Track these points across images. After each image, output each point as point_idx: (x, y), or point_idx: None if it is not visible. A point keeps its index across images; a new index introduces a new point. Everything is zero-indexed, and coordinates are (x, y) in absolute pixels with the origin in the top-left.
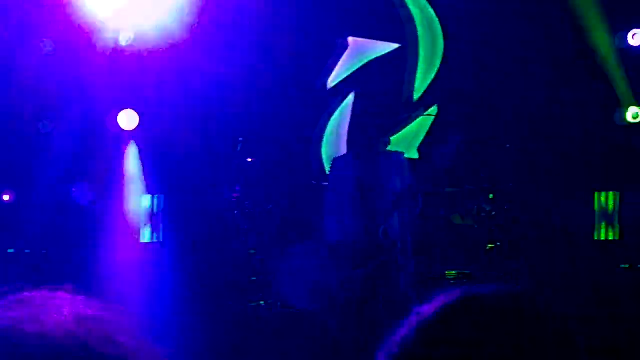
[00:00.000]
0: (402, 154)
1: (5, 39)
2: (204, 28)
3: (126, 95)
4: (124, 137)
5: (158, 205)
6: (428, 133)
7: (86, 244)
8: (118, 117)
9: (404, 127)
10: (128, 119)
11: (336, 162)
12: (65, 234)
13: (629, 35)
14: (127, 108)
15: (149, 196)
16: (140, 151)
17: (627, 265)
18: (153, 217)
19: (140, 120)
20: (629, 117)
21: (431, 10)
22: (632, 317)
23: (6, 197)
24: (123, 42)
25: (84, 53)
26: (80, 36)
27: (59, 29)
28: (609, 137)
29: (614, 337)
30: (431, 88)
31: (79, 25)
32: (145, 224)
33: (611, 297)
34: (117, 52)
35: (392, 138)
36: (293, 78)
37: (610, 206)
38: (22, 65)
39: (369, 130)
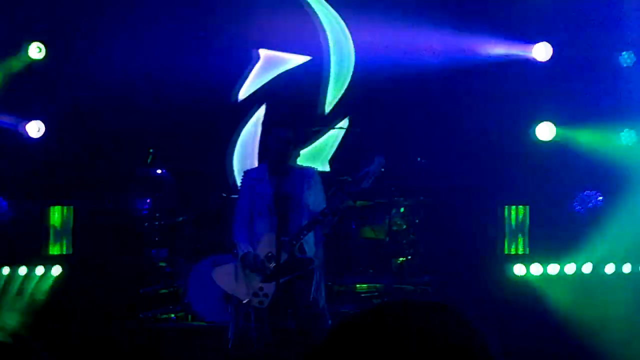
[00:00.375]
0: (314, 169)
1: None
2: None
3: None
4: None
5: (68, 216)
6: (339, 146)
7: None
8: (26, 126)
9: (315, 139)
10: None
11: (247, 174)
12: None
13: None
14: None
15: (59, 207)
16: (49, 161)
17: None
18: (62, 228)
19: (46, 129)
20: (539, 133)
21: (342, 23)
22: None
23: None
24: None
25: None
26: None
27: None
28: (520, 152)
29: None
30: (342, 100)
31: None
32: (54, 236)
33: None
34: None
35: (302, 152)
36: (205, 89)
37: (520, 220)
38: None
39: (280, 143)
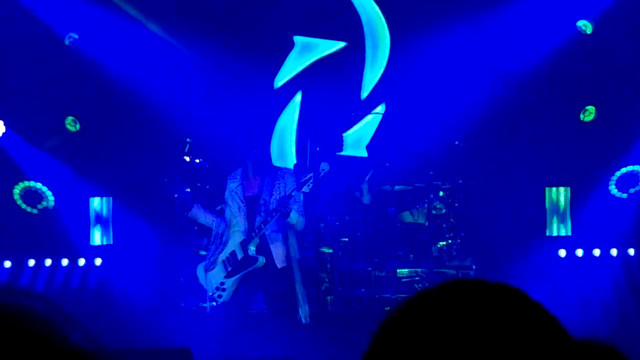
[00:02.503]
0: (288, 170)
1: None
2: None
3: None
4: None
5: (107, 207)
6: (377, 132)
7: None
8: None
9: (353, 125)
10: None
11: (230, 176)
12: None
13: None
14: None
15: (99, 198)
16: (86, 153)
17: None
18: (102, 220)
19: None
20: (583, 114)
21: (377, 8)
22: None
23: None
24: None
25: None
26: None
27: None
28: (561, 133)
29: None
30: (379, 86)
31: None
32: (94, 226)
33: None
34: None
35: (342, 137)
36: (243, 77)
37: (562, 201)
38: None
39: (320, 130)
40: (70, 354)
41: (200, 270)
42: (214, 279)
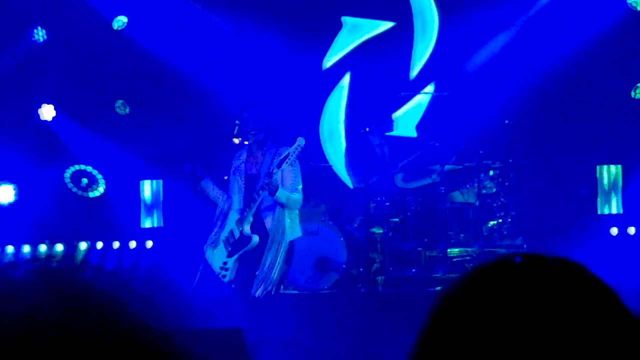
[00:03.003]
0: (289, 148)
1: None
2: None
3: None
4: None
5: (157, 189)
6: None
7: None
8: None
9: (402, 105)
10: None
11: (235, 155)
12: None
13: None
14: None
15: (149, 181)
16: (136, 136)
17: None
18: (152, 202)
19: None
20: (634, 92)
21: None
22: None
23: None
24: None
25: None
26: None
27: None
28: (613, 111)
29: None
30: (427, 65)
31: None
32: (145, 209)
33: (608, 269)
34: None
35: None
36: (292, 58)
37: (613, 179)
38: None
39: (367, 110)
40: (144, 335)
41: (206, 249)
42: (218, 258)
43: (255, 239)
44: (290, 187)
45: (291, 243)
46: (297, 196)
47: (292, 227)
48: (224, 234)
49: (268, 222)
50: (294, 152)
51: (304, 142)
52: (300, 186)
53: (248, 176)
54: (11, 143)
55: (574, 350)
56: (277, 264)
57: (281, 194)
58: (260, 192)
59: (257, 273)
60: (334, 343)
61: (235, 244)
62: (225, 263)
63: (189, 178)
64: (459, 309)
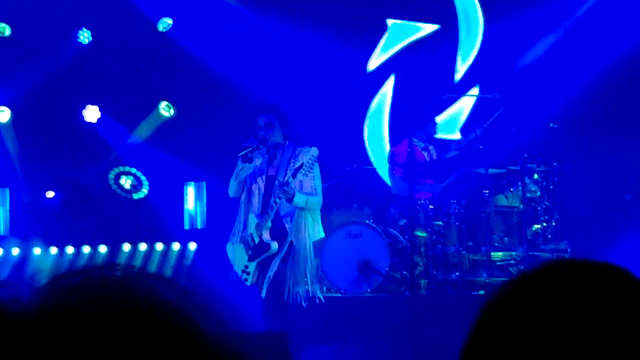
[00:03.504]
0: (309, 151)
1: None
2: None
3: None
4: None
5: (201, 192)
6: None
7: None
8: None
9: (447, 108)
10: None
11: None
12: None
13: None
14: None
15: (192, 183)
16: (180, 138)
17: None
18: (196, 204)
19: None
20: None
21: None
22: None
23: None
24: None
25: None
26: None
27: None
28: None
29: None
30: (472, 68)
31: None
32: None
33: None
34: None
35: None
36: (336, 60)
37: None
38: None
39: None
40: (204, 343)
41: (228, 247)
42: (239, 259)
43: (275, 245)
44: (309, 191)
45: (321, 242)
46: (316, 198)
47: (314, 228)
48: (245, 233)
49: (289, 227)
50: (307, 163)
51: (317, 152)
52: (321, 188)
53: (269, 177)
54: (56, 144)
55: (622, 358)
56: (307, 265)
57: (299, 199)
58: (278, 200)
59: (286, 279)
60: (376, 346)
61: (256, 249)
62: (246, 267)
63: (247, 150)
64: (503, 319)
